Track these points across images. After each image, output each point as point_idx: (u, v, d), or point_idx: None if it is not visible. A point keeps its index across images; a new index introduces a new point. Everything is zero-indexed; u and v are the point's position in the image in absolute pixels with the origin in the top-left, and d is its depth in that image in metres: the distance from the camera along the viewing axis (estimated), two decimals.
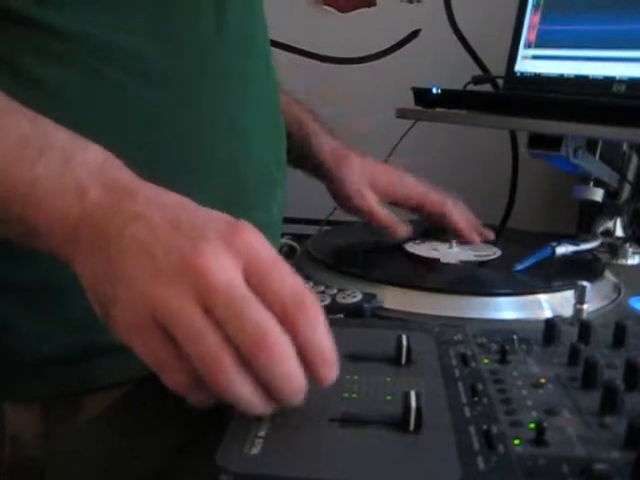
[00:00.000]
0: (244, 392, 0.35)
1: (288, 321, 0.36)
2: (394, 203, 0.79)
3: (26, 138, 0.40)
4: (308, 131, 0.79)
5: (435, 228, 0.80)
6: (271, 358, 0.35)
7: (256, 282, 0.36)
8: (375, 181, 0.77)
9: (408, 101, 0.90)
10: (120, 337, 0.38)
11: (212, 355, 0.35)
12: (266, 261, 0.37)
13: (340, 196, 0.78)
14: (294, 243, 0.77)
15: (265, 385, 0.36)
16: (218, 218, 0.39)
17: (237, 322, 0.35)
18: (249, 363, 0.35)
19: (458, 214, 0.78)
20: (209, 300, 0.35)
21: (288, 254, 0.76)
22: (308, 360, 0.36)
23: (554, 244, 0.70)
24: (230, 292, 0.35)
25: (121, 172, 0.41)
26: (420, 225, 0.80)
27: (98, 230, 0.38)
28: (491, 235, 0.80)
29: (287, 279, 0.37)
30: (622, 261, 0.82)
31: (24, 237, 0.41)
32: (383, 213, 0.76)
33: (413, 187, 0.78)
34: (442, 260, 0.72)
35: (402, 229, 0.77)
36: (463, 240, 0.78)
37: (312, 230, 0.89)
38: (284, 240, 0.75)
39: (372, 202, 0.76)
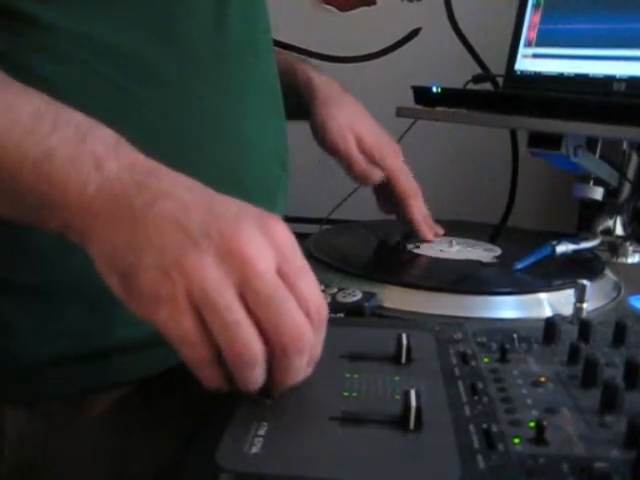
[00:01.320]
0: (258, 379, 0.37)
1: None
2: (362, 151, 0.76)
3: (40, 113, 0.40)
4: (294, 67, 0.77)
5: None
6: (300, 351, 0.37)
7: (286, 279, 0.37)
8: (360, 137, 0.75)
9: (408, 100, 0.90)
10: (138, 308, 0.37)
11: (245, 346, 0.36)
12: (298, 263, 0.39)
13: (321, 132, 0.75)
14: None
15: (273, 372, 0.38)
16: (250, 207, 0.39)
17: (278, 313, 0.36)
18: (277, 353, 0.37)
19: (417, 208, 0.76)
20: (250, 288, 0.36)
21: None
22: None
23: (554, 243, 0.70)
24: (270, 285, 0.36)
25: (136, 153, 0.41)
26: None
27: (121, 203, 0.38)
28: (441, 230, 0.79)
29: (313, 286, 0.39)
30: (622, 260, 0.82)
31: (34, 212, 0.41)
32: (360, 160, 0.75)
33: (390, 162, 0.76)
34: (442, 259, 0.72)
35: (375, 176, 0.75)
36: (415, 234, 0.77)
37: (312, 229, 0.88)
38: None
39: (353, 148, 0.74)
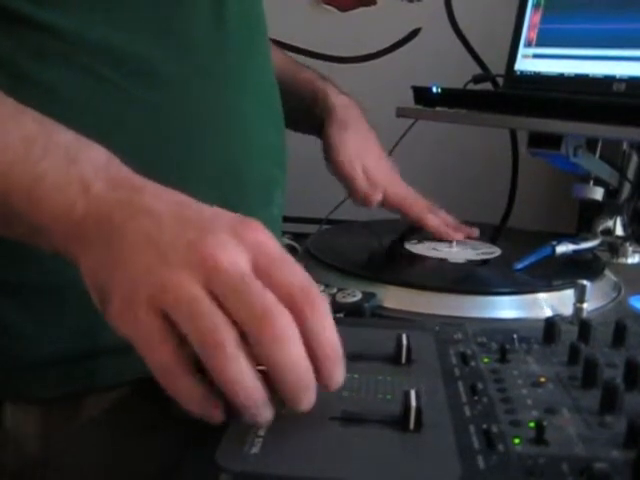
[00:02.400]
0: (245, 378, 0.34)
1: (296, 313, 0.35)
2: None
3: (31, 138, 0.40)
4: (316, 89, 0.79)
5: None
6: (276, 339, 0.33)
7: (264, 274, 0.36)
8: (367, 165, 0.78)
9: (408, 100, 0.90)
10: (116, 325, 0.37)
11: (213, 332, 0.33)
12: (275, 255, 0.37)
13: (331, 156, 0.78)
14: (294, 243, 0.77)
15: (269, 375, 0.34)
16: (226, 214, 0.39)
17: (243, 301, 0.34)
18: (253, 344, 0.34)
19: (436, 221, 0.79)
20: (215, 281, 0.35)
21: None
22: (315, 355, 0.35)
23: (554, 243, 0.70)
24: (236, 274, 0.35)
25: (126, 172, 0.41)
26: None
27: (103, 223, 0.38)
28: (474, 232, 0.80)
29: (297, 272, 0.37)
30: (622, 260, 0.82)
31: (28, 235, 0.41)
32: (365, 183, 0.77)
33: (394, 191, 0.79)
34: (442, 259, 0.72)
35: (378, 197, 0.77)
36: (445, 239, 0.78)
37: (312, 229, 0.88)
38: (284, 239, 0.75)
39: (359, 172, 0.77)
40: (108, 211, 0.38)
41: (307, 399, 0.35)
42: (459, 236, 0.78)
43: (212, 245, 0.35)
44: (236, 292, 0.34)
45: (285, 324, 0.34)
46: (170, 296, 0.35)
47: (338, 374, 0.36)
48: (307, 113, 0.77)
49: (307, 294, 0.36)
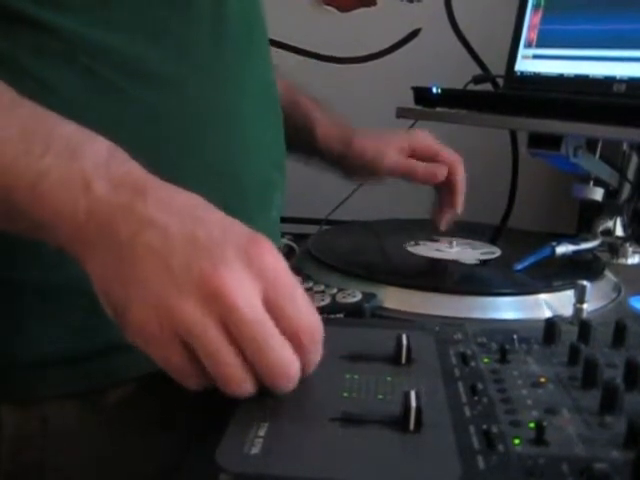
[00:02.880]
0: (248, 392, 0.38)
1: (300, 352, 0.38)
2: (411, 155, 0.78)
3: (31, 132, 0.40)
4: (310, 118, 0.79)
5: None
6: (286, 385, 0.38)
7: (274, 308, 0.38)
8: (389, 140, 0.78)
9: (408, 100, 0.90)
10: (132, 339, 0.38)
11: (233, 376, 0.37)
12: (285, 288, 0.38)
13: (359, 165, 0.78)
14: (293, 243, 0.77)
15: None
16: (235, 231, 0.39)
17: (259, 353, 0.37)
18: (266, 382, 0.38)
19: (462, 175, 0.78)
20: (232, 327, 0.37)
21: (287, 254, 0.76)
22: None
23: (554, 244, 0.71)
24: (253, 322, 0.37)
25: (128, 165, 0.41)
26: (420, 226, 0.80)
27: (107, 230, 0.38)
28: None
29: (303, 310, 0.39)
30: (622, 260, 0.82)
31: (31, 231, 0.41)
32: (412, 162, 0.76)
33: (426, 140, 0.78)
34: (442, 259, 0.72)
35: (443, 172, 0.76)
36: (450, 204, 0.78)
37: (312, 229, 0.89)
38: (283, 240, 0.75)
39: (397, 156, 0.76)
40: (110, 216, 0.38)
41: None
42: (460, 208, 0.78)
43: (227, 279, 0.36)
44: (255, 346, 0.37)
45: (296, 375, 0.38)
46: (191, 336, 0.37)
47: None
48: (304, 142, 0.78)
49: (313, 333, 0.39)
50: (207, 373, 0.38)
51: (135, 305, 0.37)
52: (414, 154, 0.78)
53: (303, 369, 0.39)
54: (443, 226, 0.78)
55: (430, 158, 0.78)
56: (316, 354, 0.40)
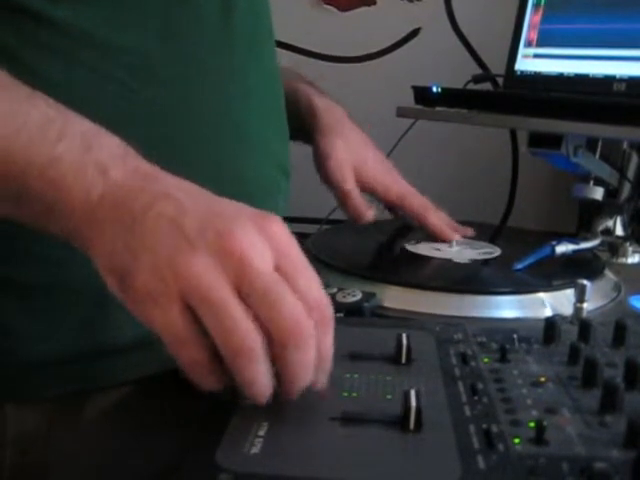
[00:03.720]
0: (260, 377, 0.36)
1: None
2: (370, 193, 0.77)
3: (48, 120, 0.40)
4: (297, 87, 0.77)
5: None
6: (299, 344, 0.36)
7: (285, 277, 0.37)
8: (361, 171, 0.76)
9: (408, 100, 0.90)
10: (134, 309, 0.37)
11: (242, 340, 0.35)
12: (296, 260, 0.38)
13: (321, 165, 0.76)
14: None
15: (279, 370, 0.37)
16: (246, 207, 0.39)
17: (273, 306, 0.36)
18: (276, 348, 0.36)
19: (436, 218, 0.77)
20: (247, 285, 0.36)
21: None
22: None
23: (554, 243, 0.70)
24: (268, 280, 0.36)
25: (141, 161, 0.41)
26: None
27: (121, 207, 0.38)
28: (470, 231, 0.79)
29: (313, 283, 0.38)
30: (622, 260, 0.82)
31: (40, 218, 0.41)
32: (357, 196, 0.75)
33: (393, 189, 0.77)
34: (442, 259, 0.72)
35: (369, 215, 0.76)
36: (441, 240, 0.77)
37: (312, 229, 0.88)
38: None
39: (351, 185, 0.75)
40: (125, 196, 0.38)
41: (297, 393, 0.38)
42: (457, 236, 0.77)
43: (241, 238, 0.36)
44: (267, 300, 0.36)
45: (310, 335, 0.36)
46: (200, 293, 0.35)
47: (324, 383, 0.39)
48: (291, 118, 0.74)
49: (323, 310, 0.38)
50: (210, 345, 0.36)
51: (143, 270, 0.36)
52: (378, 194, 0.77)
53: (318, 351, 0.37)
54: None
55: (397, 203, 0.77)
56: (326, 333, 0.38)
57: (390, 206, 0.80)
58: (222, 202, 0.40)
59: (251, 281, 0.36)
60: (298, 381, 0.37)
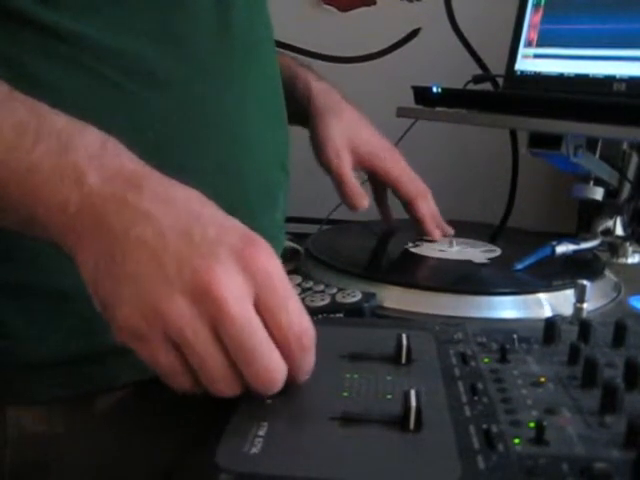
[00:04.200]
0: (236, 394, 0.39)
1: (288, 354, 0.38)
2: (366, 172, 0.77)
3: (23, 125, 0.40)
4: (296, 76, 0.76)
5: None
6: (272, 390, 0.38)
7: (265, 311, 0.37)
8: (357, 147, 0.75)
9: (408, 100, 0.90)
10: (120, 336, 0.38)
11: (223, 389, 0.38)
12: (278, 292, 0.38)
13: (317, 148, 0.75)
14: (297, 246, 0.77)
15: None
16: (231, 230, 0.39)
17: (247, 359, 0.37)
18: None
19: (426, 209, 0.77)
20: (222, 330, 0.36)
21: (292, 257, 0.76)
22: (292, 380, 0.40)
23: (554, 243, 0.70)
24: (243, 327, 0.36)
25: (123, 157, 0.40)
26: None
27: (100, 222, 0.38)
28: (451, 230, 0.79)
29: (294, 315, 0.38)
30: (622, 260, 0.82)
31: (23, 226, 0.41)
32: (352, 183, 0.74)
33: (391, 167, 0.76)
34: (442, 259, 0.72)
35: (363, 203, 0.74)
36: (423, 234, 0.77)
37: (312, 229, 0.88)
38: (287, 243, 0.75)
39: (346, 168, 0.74)
40: (102, 209, 0.38)
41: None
42: (437, 233, 0.77)
43: (219, 279, 0.36)
44: (242, 354, 0.37)
45: (282, 380, 0.38)
46: (181, 337, 0.37)
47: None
48: (289, 101, 0.72)
49: (301, 341, 0.38)
50: (195, 373, 0.38)
51: (124, 303, 0.37)
52: (374, 173, 0.77)
53: (295, 376, 0.39)
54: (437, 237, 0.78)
55: (391, 185, 0.77)
56: (306, 361, 0.39)
57: (380, 189, 0.79)
58: (205, 219, 0.39)
59: (227, 329, 0.36)
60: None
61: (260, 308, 0.37)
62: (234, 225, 0.39)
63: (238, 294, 0.36)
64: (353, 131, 0.75)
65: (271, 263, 0.38)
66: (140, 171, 0.40)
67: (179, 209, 0.38)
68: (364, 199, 0.74)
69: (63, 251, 0.40)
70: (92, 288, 0.39)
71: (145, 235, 0.37)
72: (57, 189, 0.38)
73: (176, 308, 0.36)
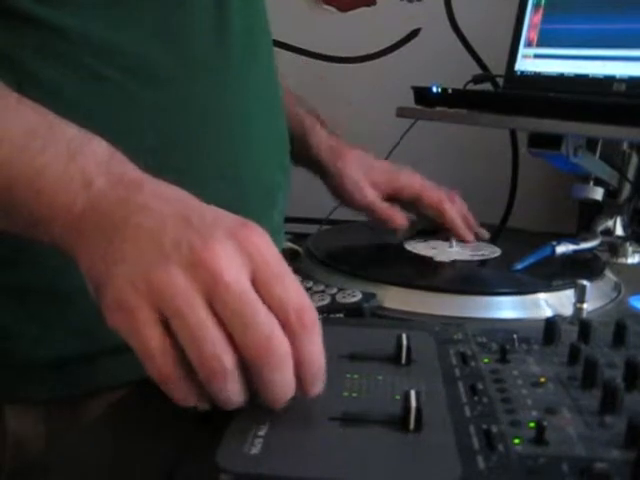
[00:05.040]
0: (234, 393, 0.36)
1: (289, 332, 0.36)
2: (390, 198, 0.78)
3: (33, 130, 0.40)
4: (305, 126, 0.78)
5: (430, 228, 0.80)
6: (272, 364, 0.35)
7: (262, 287, 0.36)
8: (372, 176, 0.77)
9: (408, 100, 0.90)
10: (109, 319, 0.37)
11: (213, 353, 0.35)
12: (273, 268, 0.37)
13: (339, 191, 0.77)
14: (297, 246, 0.77)
15: (256, 386, 0.36)
16: (226, 216, 0.39)
17: (245, 325, 0.35)
18: (248, 365, 0.35)
19: (454, 212, 0.77)
20: (218, 299, 0.35)
21: (291, 258, 0.76)
22: (301, 374, 0.37)
23: (554, 243, 0.70)
24: (240, 294, 0.35)
25: (127, 167, 0.41)
26: (417, 224, 0.80)
27: (103, 218, 0.38)
28: (486, 235, 0.79)
29: (292, 290, 0.37)
30: (622, 260, 0.82)
31: (27, 227, 0.41)
32: (383, 206, 0.76)
33: (409, 181, 0.78)
34: (442, 259, 0.72)
35: (402, 222, 0.76)
36: (458, 239, 0.77)
37: (312, 229, 0.88)
38: (286, 244, 0.75)
39: (372, 196, 0.76)
40: (108, 208, 0.38)
41: (281, 405, 0.37)
42: (471, 237, 0.77)
43: (215, 253, 0.36)
44: (239, 320, 0.35)
45: (284, 354, 0.35)
46: (173, 306, 0.35)
47: (317, 391, 0.38)
48: (298, 148, 0.76)
49: (301, 316, 0.36)
50: (181, 355, 0.36)
51: (117, 277, 0.36)
52: (396, 194, 0.78)
53: (301, 365, 0.37)
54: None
55: (414, 199, 0.78)
56: (309, 341, 0.36)
57: (410, 204, 0.80)
58: (202, 211, 0.39)
59: (222, 297, 0.35)
60: (278, 398, 0.37)
61: (257, 285, 0.36)
62: (229, 214, 0.39)
63: (235, 268, 0.36)
64: (364, 163, 0.78)
65: (266, 244, 0.38)
66: (141, 177, 0.40)
67: (177, 204, 0.39)
68: (398, 216, 0.77)
69: (63, 253, 0.40)
70: (88, 276, 0.38)
71: (144, 222, 0.37)
72: (64, 191, 0.39)
73: (169, 277, 0.35)
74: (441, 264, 0.71)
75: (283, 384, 0.36)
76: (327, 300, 0.60)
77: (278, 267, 0.38)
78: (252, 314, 0.35)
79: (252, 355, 0.35)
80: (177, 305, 0.35)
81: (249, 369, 0.36)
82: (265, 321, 0.35)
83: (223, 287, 0.35)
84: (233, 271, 0.36)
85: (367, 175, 0.77)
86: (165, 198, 0.39)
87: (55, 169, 0.39)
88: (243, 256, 0.36)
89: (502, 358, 0.45)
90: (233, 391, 0.36)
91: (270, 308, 0.36)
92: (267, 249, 0.38)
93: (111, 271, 0.36)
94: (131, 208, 0.38)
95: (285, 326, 0.36)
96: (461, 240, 0.77)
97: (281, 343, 0.35)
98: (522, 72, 0.93)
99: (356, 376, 0.42)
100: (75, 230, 0.39)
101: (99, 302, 0.37)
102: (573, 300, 0.57)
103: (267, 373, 0.35)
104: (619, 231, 0.86)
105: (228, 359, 0.35)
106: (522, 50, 0.94)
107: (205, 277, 0.35)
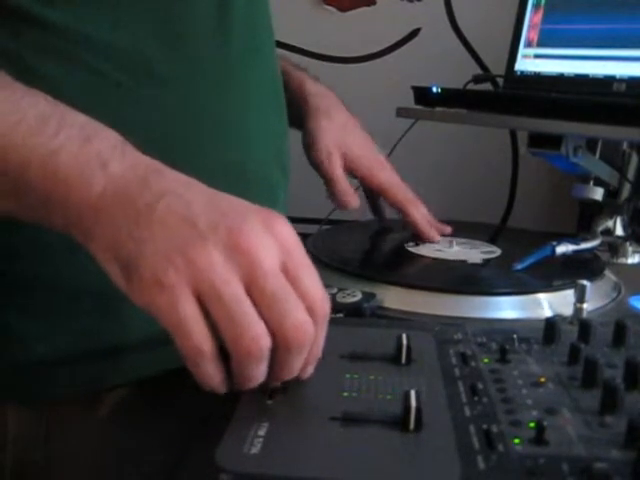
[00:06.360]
0: (260, 376, 0.38)
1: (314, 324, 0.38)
2: (351, 174, 0.77)
3: (46, 115, 0.41)
4: (290, 73, 0.76)
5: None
6: (302, 348, 0.38)
7: (292, 278, 0.38)
8: (348, 151, 0.75)
9: (408, 100, 0.90)
10: (137, 296, 0.37)
11: (254, 341, 0.36)
12: (300, 259, 0.39)
13: (308, 148, 0.75)
14: None
15: (274, 367, 0.38)
16: (250, 204, 0.40)
17: (284, 310, 0.37)
18: (279, 350, 0.37)
19: (417, 214, 0.76)
20: (256, 286, 0.36)
21: None
22: (307, 357, 0.39)
23: (554, 243, 0.70)
24: (276, 283, 0.37)
25: (140, 155, 0.41)
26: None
27: (124, 199, 0.38)
28: (448, 229, 0.79)
29: (318, 284, 0.39)
30: (622, 260, 0.82)
31: (40, 210, 0.41)
32: (342, 182, 0.74)
33: (377, 173, 0.76)
34: (442, 259, 0.72)
35: (352, 202, 0.75)
36: (422, 239, 0.77)
37: (312, 229, 0.88)
38: None
39: (337, 168, 0.74)
40: (127, 188, 0.39)
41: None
42: (437, 236, 0.77)
43: (251, 237, 0.37)
44: (276, 306, 0.37)
45: (310, 338, 0.38)
46: (213, 286, 0.36)
47: (311, 370, 0.41)
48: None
49: (324, 310, 0.39)
50: (214, 336, 0.36)
51: (149, 253, 0.36)
52: (362, 180, 0.77)
53: (311, 350, 0.39)
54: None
55: (380, 192, 0.77)
56: (323, 329, 0.39)
57: (372, 193, 0.79)
58: (228, 199, 0.40)
59: (261, 283, 0.36)
60: (288, 376, 0.39)
61: (286, 274, 0.38)
62: (251, 203, 0.40)
63: (271, 257, 0.37)
64: (344, 134, 0.76)
65: (292, 234, 0.39)
66: (158, 164, 0.41)
67: (200, 188, 0.40)
68: (353, 198, 0.75)
69: (73, 237, 0.40)
70: (109, 257, 0.38)
71: (173, 205, 0.38)
72: (81, 171, 0.39)
73: (208, 255, 0.36)
74: (441, 264, 0.71)
75: (299, 366, 0.39)
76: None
77: (304, 258, 0.39)
78: (289, 302, 0.37)
79: (286, 342, 0.37)
80: (216, 284, 0.36)
81: (276, 353, 0.37)
82: (299, 309, 0.37)
83: (261, 274, 0.36)
84: (269, 260, 0.37)
85: (343, 150, 0.75)
86: (186, 183, 0.40)
87: (70, 150, 0.39)
88: (275, 244, 0.38)
89: (502, 358, 0.45)
90: (263, 372, 0.38)
91: (297, 293, 0.38)
92: (294, 239, 0.39)
93: (142, 249, 0.37)
94: (154, 191, 0.38)
95: (310, 314, 0.38)
96: (427, 240, 0.76)
97: (311, 331, 0.38)
98: (522, 72, 0.93)
99: (356, 376, 0.42)
100: (93, 211, 0.39)
101: (127, 283, 0.38)
102: (573, 300, 0.57)
103: (293, 356, 0.38)
104: (619, 231, 0.86)
105: (267, 341, 0.36)
106: (522, 50, 0.94)
107: (243, 262, 0.36)
